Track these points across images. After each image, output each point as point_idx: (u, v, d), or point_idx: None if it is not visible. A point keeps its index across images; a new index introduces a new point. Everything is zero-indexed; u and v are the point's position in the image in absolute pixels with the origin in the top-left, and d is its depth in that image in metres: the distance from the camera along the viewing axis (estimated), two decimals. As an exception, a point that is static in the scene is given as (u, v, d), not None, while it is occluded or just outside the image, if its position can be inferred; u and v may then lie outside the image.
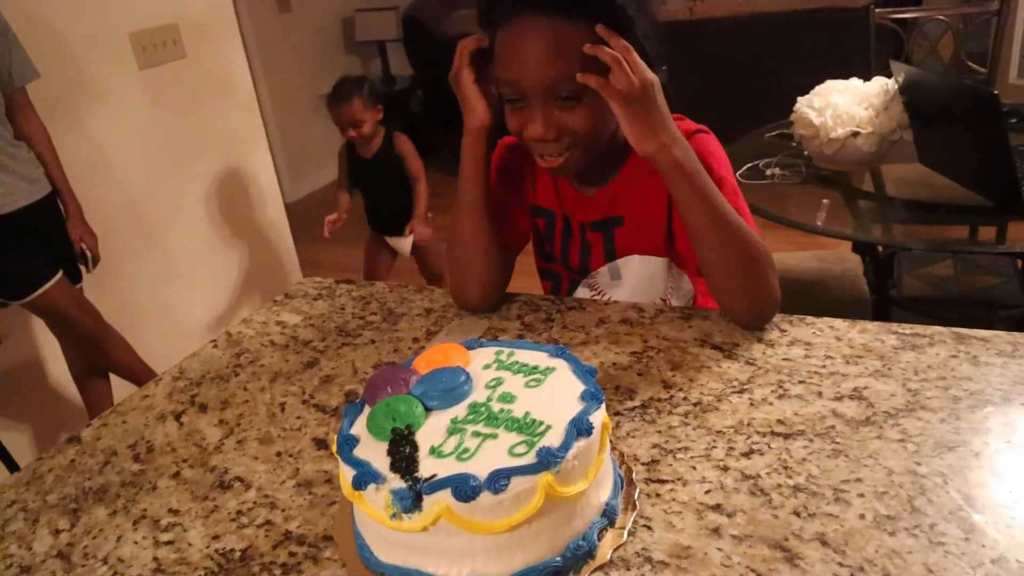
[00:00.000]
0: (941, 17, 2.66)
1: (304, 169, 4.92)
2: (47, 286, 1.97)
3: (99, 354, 2.20)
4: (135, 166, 2.45)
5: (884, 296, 1.93)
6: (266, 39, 4.59)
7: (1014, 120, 1.96)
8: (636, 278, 1.12)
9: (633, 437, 0.79)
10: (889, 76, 1.79)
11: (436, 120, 5.57)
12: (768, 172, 1.87)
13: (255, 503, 0.77)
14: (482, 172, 1.06)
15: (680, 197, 0.94)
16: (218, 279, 2.78)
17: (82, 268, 2.13)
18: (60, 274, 2.01)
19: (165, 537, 0.74)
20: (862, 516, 0.66)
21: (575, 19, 0.91)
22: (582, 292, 1.17)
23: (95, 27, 2.29)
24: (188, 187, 2.64)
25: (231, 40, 2.74)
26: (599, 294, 1.15)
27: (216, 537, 0.73)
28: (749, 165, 1.92)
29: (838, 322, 0.97)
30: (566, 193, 1.14)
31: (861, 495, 0.69)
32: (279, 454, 0.85)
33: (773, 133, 2.11)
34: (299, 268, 3.13)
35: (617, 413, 0.83)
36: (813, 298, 1.81)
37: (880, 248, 2.09)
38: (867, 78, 1.83)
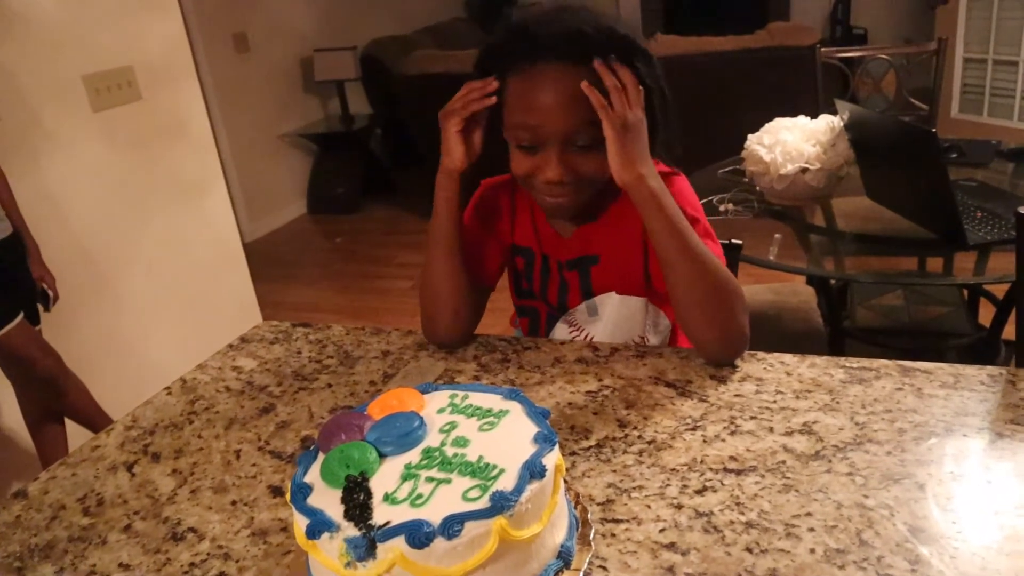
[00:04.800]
0: (884, 56, 2.76)
1: (263, 208, 4.88)
2: (9, 327, 1.94)
3: (58, 398, 2.15)
4: (90, 210, 2.42)
5: (838, 327, 1.97)
6: (224, 80, 4.57)
7: (955, 155, 2.03)
8: (615, 317, 1.14)
9: (588, 477, 0.80)
10: (835, 113, 1.85)
11: (395, 158, 5.60)
12: (722, 208, 1.92)
13: (209, 554, 0.76)
14: (454, 211, 1.08)
15: (653, 226, 0.97)
16: (176, 323, 2.73)
17: (40, 309, 2.10)
18: (21, 315, 1.98)
19: (115, 593, 0.72)
20: (812, 550, 0.67)
21: (591, 66, 0.95)
22: (560, 329, 1.18)
23: (47, 69, 2.26)
24: (144, 230, 2.61)
25: (188, 81, 2.73)
26: (578, 331, 1.17)
27: (167, 591, 0.72)
28: (703, 201, 1.95)
29: (788, 357, 0.99)
30: (544, 232, 1.17)
31: (811, 529, 0.70)
32: (234, 503, 0.83)
33: (726, 169, 2.16)
34: (258, 309, 3.10)
35: (573, 453, 0.84)
36: (769, 331, 1.84)
37: (833, 280, 2.14)
38: (815, 115, 1.88)
